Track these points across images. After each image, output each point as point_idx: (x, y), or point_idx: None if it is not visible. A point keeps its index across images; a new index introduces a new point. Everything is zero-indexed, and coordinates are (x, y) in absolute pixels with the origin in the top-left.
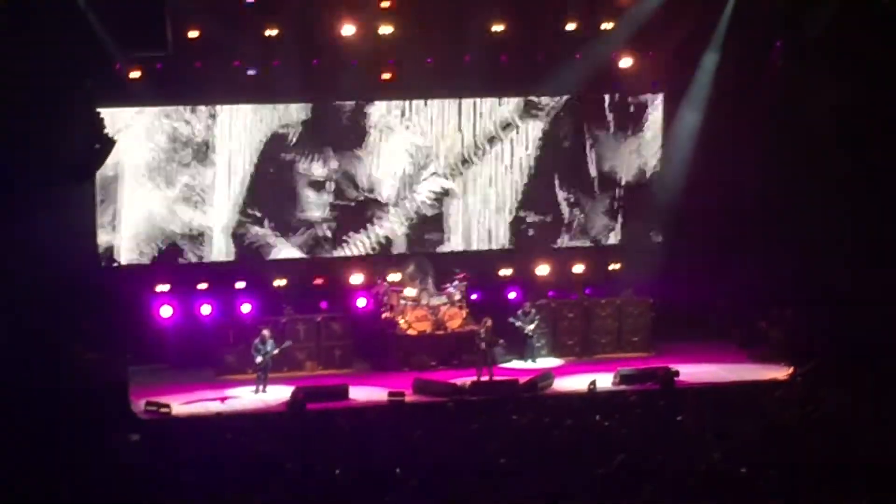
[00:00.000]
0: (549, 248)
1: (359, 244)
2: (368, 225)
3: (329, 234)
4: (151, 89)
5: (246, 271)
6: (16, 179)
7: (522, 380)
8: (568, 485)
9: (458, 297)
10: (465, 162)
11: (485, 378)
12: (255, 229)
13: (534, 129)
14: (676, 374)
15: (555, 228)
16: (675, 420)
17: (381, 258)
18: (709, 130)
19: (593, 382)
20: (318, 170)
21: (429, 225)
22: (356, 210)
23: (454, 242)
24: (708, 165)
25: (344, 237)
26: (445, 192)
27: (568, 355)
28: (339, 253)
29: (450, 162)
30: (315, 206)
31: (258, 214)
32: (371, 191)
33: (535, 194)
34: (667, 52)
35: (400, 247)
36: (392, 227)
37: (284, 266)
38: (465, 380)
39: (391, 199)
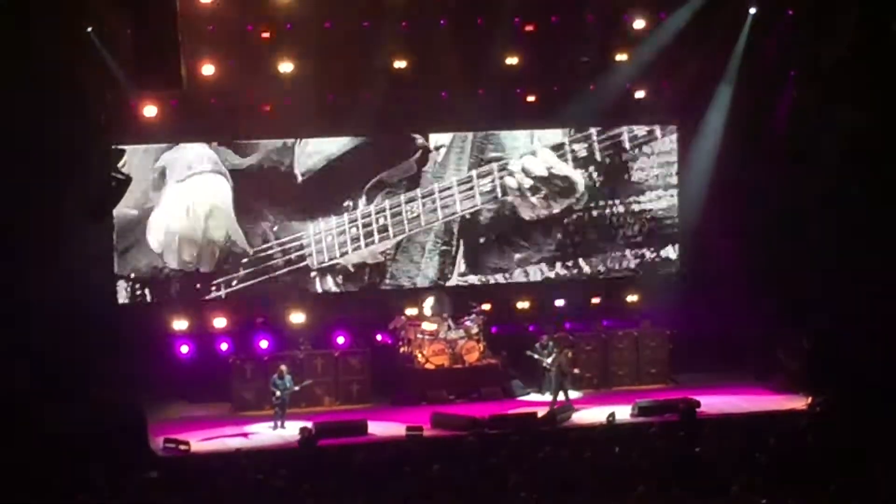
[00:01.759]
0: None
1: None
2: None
3: None
4: (166, 126)
5: (263, 306)
6: (32, 219)
7: (541, 413)
8: None
9: (475, 330)
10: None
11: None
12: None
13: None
14: (696, 405)
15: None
16: (694, 451)
17: (398, 292)
18: (724, 161)
19: (612, 415)
20: None
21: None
22: None
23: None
24: (723, 195)
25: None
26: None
27: (586, 388)
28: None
29: None
30: None
31: None
32: None
33: None
34: (681, 82)
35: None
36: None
37: (302, 301)
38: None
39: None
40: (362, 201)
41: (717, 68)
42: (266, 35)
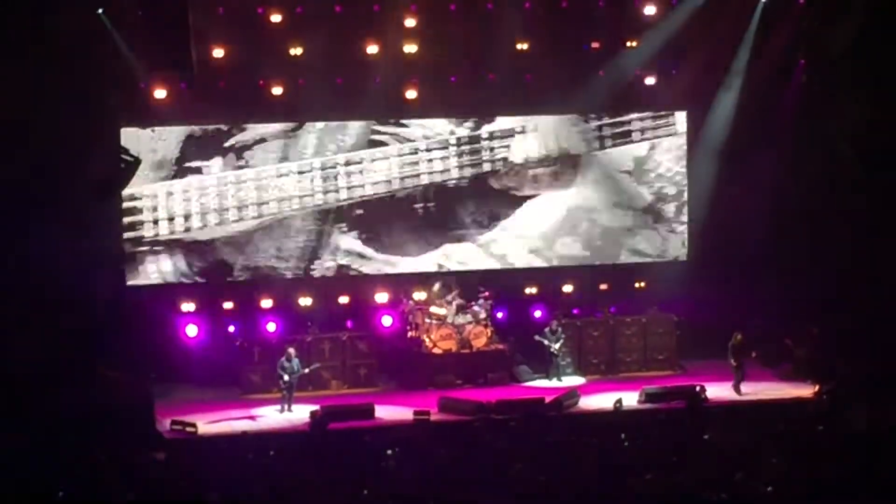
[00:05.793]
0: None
1: None
2: None
3: None
4: (176, 108)
5: (271, 290)
6: (41, 198)
7: (548, 398)
8: None
9: (483, 315)
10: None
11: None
12: None
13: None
14: (702, 391)
15: None
16: (701, 438)
17: (407, 276)
18: (733, 147)
19: (619, 401)
20: None
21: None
22: None
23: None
24: (732, 183)
25: None
26: None
27: (593, 374)
28: None
29: None
30: None
31: None
32: None
33: None
34: (691, 69)
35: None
36: None
37: (310, 284)
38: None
39: None
40: (216, 163)
41: (728, 55)
42: (276, 18)
